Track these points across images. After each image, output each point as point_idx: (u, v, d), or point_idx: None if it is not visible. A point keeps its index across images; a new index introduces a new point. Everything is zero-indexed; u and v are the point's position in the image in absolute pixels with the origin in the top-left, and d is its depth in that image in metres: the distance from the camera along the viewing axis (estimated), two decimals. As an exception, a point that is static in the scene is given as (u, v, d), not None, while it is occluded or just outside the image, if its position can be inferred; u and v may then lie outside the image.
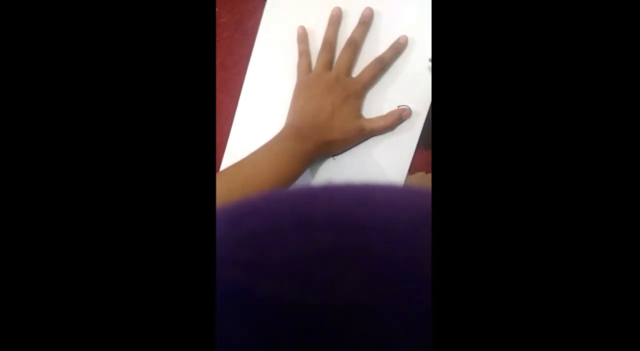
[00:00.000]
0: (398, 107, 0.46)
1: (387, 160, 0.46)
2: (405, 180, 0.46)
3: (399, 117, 0.45)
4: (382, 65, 0.46)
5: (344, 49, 0.47)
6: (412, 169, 0.45)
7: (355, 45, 0.47)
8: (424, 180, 0.45)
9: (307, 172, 0.46)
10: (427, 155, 0.45)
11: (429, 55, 0.43)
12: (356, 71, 0.48)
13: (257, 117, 0.51)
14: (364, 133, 0.46)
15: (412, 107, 0.46)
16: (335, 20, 0.48)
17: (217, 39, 0.53)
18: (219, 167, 0.52)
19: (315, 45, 0.49)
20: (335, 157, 0.48)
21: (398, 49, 0.46)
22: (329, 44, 0.48)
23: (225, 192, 0.40)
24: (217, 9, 0.54)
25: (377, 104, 0.47)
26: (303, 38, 0.49)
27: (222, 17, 0.54)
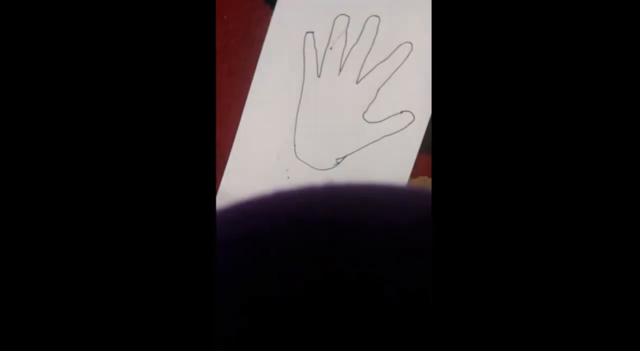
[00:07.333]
0: (401, 112, 0.47)
1: (389, 164, 0.47)
2: (407, 184, 0.46)
3: None
4: None
5: None
6: (414, 173, 0.46)
7: None
8: (426, 183, 0.46)
9: (310, 174, 0.47)
10: (429, 159, 0.46)
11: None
12: (361, 76, 0.49)
13: (263, 120, 0.52)
14: None
15: (414, 111, 0.47)
16: None
17: (225, 45, 0.54)
18: (223, 170, 0.52)
19: (321, 50, 0.50)
20: (338, 160, 0.48)
21: None
22: None
23: None
24: (225, 17, 0.55)
25: (379, 109, 0.48)
26: None
27: (231, 25, 0.55)
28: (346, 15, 0.50)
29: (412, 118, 0.47)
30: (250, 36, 0.54)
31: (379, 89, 0.48)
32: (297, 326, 0.14)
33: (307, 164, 0.50)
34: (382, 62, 0.49)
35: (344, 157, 0.49)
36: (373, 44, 0.49)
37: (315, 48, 0.51)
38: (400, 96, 0.48)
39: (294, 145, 0.50)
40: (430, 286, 0.15)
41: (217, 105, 0.52)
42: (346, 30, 0.50)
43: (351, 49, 0.50)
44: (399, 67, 0.48)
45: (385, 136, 0.48)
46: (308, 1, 0.51)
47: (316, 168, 0.49)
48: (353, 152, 0.48)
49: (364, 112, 0.48)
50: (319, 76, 0.51)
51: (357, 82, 0.49)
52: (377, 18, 0.49)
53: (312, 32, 0.51)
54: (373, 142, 0.48)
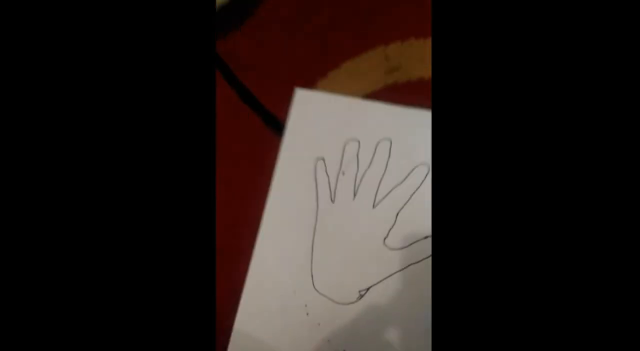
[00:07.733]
0: (425, 237, 0.45)
1: (415, 294, 0.43)
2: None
3: None
4: None
5: None
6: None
7: None
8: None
9: (331, 308, 0.43)
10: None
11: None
12: (377, 200, 0.47)
13: (277, 252, 0.49)
14: None
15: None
16: None
17: (236, 173, 0.53)
18: (237, 309, 0.48)
19: (333, 175, 0.49)
20: (362, 292, 0.45)
21: None
22: None
23: None
24: (239, 144, 0.55)
25: (400, 234, 0.46)
26: None
27: (242, 155, 0.54)
28: (356, 140, 0.49)
29: (437, 243, 0.44)
30: (260, 164, 0.53)
31: (398, 213, 0.46)
32: None
33: (327, 297, 0.46)
34: (398, 185, 0.47)
35: (368, 289, 0.45)
36: (387, 167, 0.48)
37: (327, 173, 0.50)
38: (423, 220, 0.45)
39: (312, 277, 0.47)
40: None
41: (227, 236, 0.50)
42: (357, 155, 0.49)
43: (364, 173, 0.49)
44: (417, 189, 0.46)
45: (412, 264, 0.45)
46: (316, 128, 0.50)
47: (337, 303, 0.45)
48: (377, 283, 0.45)
49: (385, 238, 0.46)
50: (333, 202, 0.49)
51: (373, 207, 0.48)
52: (388, 141, 0.48)
53: (323, 158, 0.50)
54: (398, 271, 0.45)
